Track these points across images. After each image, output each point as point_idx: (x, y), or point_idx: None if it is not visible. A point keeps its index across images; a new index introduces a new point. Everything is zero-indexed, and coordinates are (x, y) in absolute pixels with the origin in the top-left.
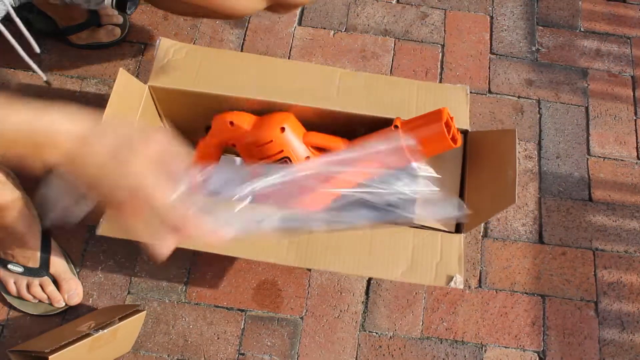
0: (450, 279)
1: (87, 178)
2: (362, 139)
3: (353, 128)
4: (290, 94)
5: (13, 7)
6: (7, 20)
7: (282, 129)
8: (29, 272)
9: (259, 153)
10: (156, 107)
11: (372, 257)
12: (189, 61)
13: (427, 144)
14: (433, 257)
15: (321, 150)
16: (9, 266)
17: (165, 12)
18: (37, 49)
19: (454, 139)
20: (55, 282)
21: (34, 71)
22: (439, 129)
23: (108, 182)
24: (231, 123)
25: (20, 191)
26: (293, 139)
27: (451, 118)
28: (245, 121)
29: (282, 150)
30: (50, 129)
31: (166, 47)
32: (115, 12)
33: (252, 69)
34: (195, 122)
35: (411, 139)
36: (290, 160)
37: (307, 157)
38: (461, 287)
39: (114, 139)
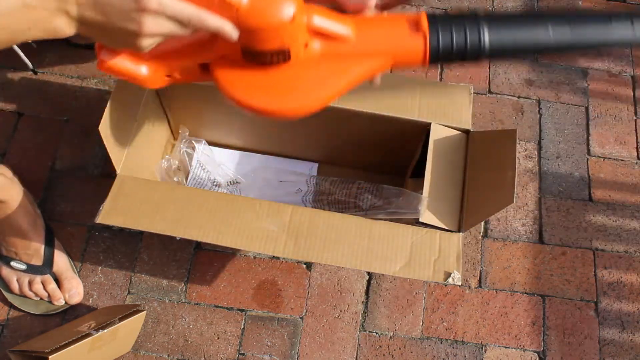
0: (448, 275)
1: (100, 23)
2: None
3: (354, 126)
4: None
5: None
6: None
7: (292, 19)
8: (32, 269)
9: (249, 44)
10: (160, 101)
11: (370, 253)
12: None
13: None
14: (431, 254)
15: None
16: (12, 263)
17: None
18: (33, 43)
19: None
20: (57, 280)
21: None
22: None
23: (118, 19)
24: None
25: (23, 188)
26: (300, 27)
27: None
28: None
29: (283, 44)
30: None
31: None
32: None
33: None
34: (200, 116)
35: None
36: (289, 55)
37: (306, 45)
38: (459, 283)
39: None
